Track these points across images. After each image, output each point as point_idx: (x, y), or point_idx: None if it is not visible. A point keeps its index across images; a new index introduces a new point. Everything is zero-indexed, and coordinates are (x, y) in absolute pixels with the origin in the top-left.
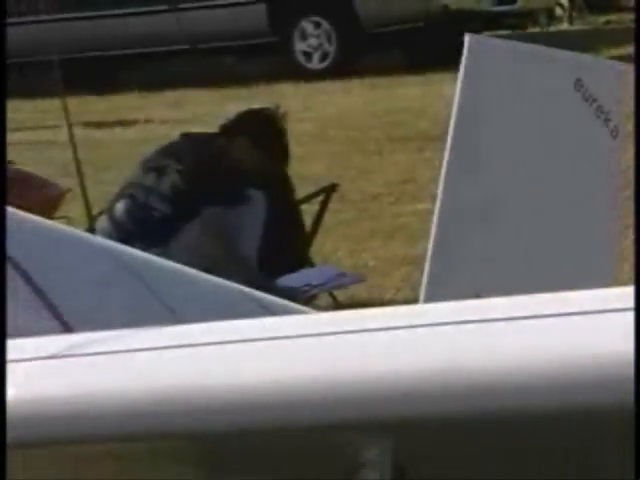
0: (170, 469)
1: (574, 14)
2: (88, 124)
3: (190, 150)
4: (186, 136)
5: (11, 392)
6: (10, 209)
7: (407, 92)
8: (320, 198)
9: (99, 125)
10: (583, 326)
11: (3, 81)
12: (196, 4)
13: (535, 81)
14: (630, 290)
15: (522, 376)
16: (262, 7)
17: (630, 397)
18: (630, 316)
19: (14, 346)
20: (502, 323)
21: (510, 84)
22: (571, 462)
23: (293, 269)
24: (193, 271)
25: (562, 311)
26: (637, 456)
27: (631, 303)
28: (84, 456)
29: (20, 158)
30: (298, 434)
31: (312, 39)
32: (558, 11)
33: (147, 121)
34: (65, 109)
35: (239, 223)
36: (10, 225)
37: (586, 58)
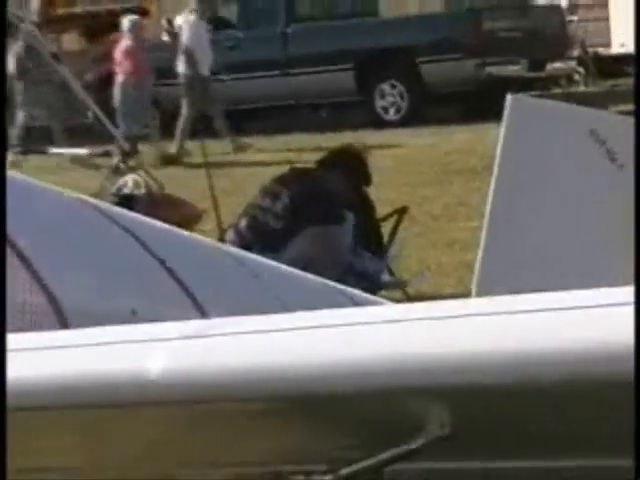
0: (288, 425)
1: (589, 79)
2: (222, 163)
3: (297, 180)
4: (293, 169)
5: (161, 365)
6: (162, 224)
7: (460, 137)
8: (394, 217)
9: (222, 163)
10: (590, 317)
11: (3, 81)
12: (301, 70)
13: (560, 129)
14: (630, 289)
15: (544, 355)
16: (351, 73)
17: (622, 372)
18: (625, 309)
19: (163, 328)
20: (529, 314)
21: (541, 131)
22: (585, 420)
23: (375, 272)
24: (294, 270)
25: (573, 305)
26: (637, 456)
27: (628, 299)
28: (232, 413)
29: (170, 186)
30: (388, 396)
31: (389, 97)
32: (576, 77)
33: (262, 155)
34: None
35: (335, 237)
36: (167, 236)
37: (599, 112)
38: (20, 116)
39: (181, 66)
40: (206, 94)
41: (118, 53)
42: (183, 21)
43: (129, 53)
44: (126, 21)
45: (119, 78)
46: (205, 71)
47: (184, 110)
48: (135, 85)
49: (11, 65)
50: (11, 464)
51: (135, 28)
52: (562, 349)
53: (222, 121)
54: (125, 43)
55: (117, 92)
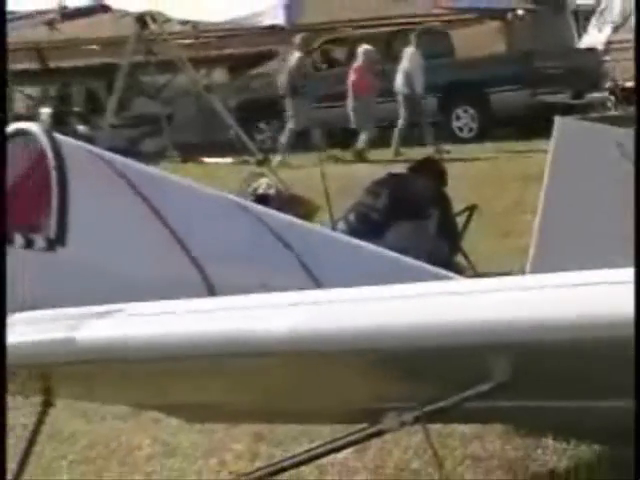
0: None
1: (617, 105)
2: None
3: (393, 183)
4: (390, 174)
5: (288, 325)
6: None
7: (518, 151)
8: (466, 213)
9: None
10: (601, 292)
11: (3, 81)
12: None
13: (596, 144)
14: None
15: (580, 320)
16: (435, 100)
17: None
18: (625, 288)
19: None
20: (569, 288)
21: (581, 145)
22: (612, 369)
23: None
24: (396, 255)
25: (600, 281)
26: (637, 456)
27: (626, 278)
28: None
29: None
30: (463, 352)
31: (463, 119)
32: (608, 104)
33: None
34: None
35: (422, 229)
36: (292, 225)
37: (624, 130)
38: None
39: (400, 86)
40: (419, 108)
41: (352, 75)
42: (405, 51)
43: (361, 75)
44: (361, 50)
45: (353, 94)
46: (419, 90)
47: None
48: (364, 99)
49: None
50: (171, 399)
51: (367, 56)
52: (594, 315)
53: (430, 129)
54: (358, 67)
55: (351, 104)
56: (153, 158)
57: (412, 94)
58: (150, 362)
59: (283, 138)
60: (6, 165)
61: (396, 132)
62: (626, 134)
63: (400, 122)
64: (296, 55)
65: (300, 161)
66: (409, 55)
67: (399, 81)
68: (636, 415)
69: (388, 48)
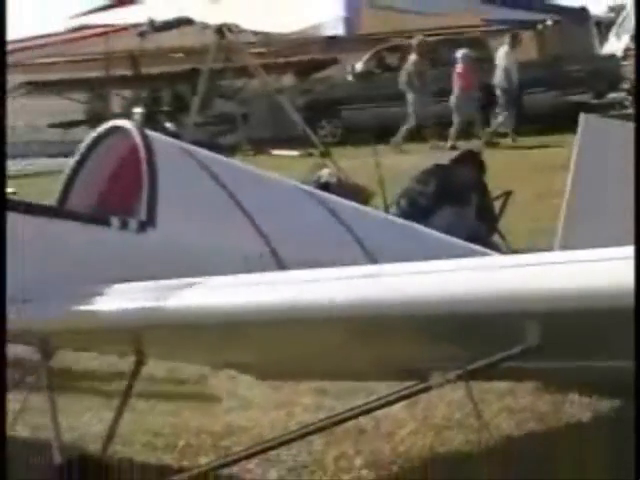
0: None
1: (634, 104)
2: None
3: (439, 172)
4: (436, 165)
5: (347, 295)
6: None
7: (548, 144)
8: (502, 198)
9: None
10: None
11: (3, 84)
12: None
13: (614, 137)
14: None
15: (599, 290)
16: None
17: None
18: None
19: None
20: (591, 264)
21: (602, 139)
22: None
23: (490, 234)
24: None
25: (612, 257)
26: (637, 456)
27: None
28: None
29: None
30: (500, 318)
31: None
32: (626, 103)
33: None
34: (375, 152)
35: (464, 213)
36: (350, 209)
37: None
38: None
39: (498, 80)
40: (517, 100)
41: (456, 73)
42: (499, 50)
43: (461, 74)
44: (459, 53)
45: (456, 91)
46: (516, 83)
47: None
48: (465, 95)
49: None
50: (244, 359)
51: (465, 57)
52: (612, 287)
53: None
54: (459, 67)
55: (454, 99)
56: (230, 151)
57: (510, 87)
58: (226, 327)
59: (402, 129)
60: (6, 165)
61: (455, 127)
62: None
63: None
64: (413, 57)
65: (353, 153)
66: (504, 54)
67: (498, 77)
68: (636, 418)
69: (435, 53)
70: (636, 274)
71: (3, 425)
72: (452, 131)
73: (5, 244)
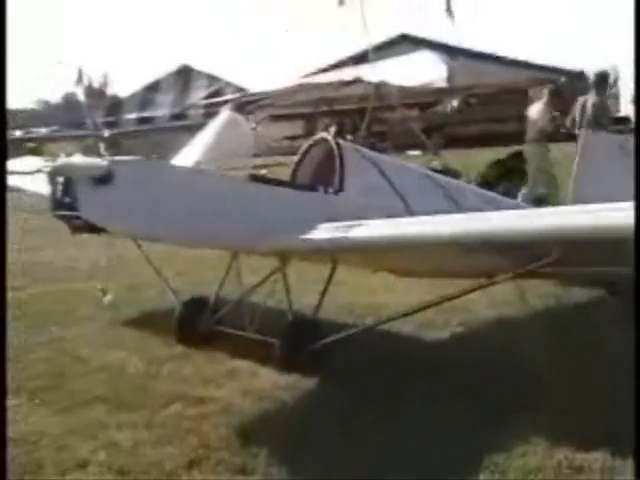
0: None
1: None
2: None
3: (500, 162)
4: (497, 158)
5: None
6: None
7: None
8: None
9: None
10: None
11: (3, 87)
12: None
13: (607, 145)
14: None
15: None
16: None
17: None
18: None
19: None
20: (594, 214)
21: (598, 147)
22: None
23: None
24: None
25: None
26: (637, 456)
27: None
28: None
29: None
30: (537, 242)
31: None
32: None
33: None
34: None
35: (514, 187)
36: (453, 183)
37: (625, 136)
38: None
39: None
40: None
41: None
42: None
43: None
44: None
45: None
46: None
47: None
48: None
49: None
50: (391, 266)
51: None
52: (613, 226)
53: None
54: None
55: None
56: (382, 152)
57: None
58: (380, 248)
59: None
60: (6, 166)
61: None
62: (626, 139)
63: None
64: (588, 99)
65: (450, 152)
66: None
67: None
68: (636, 418)
69: (496, 97)
70: (636, 274)
71: (3, 425)
72: None
73: (5, 244)
